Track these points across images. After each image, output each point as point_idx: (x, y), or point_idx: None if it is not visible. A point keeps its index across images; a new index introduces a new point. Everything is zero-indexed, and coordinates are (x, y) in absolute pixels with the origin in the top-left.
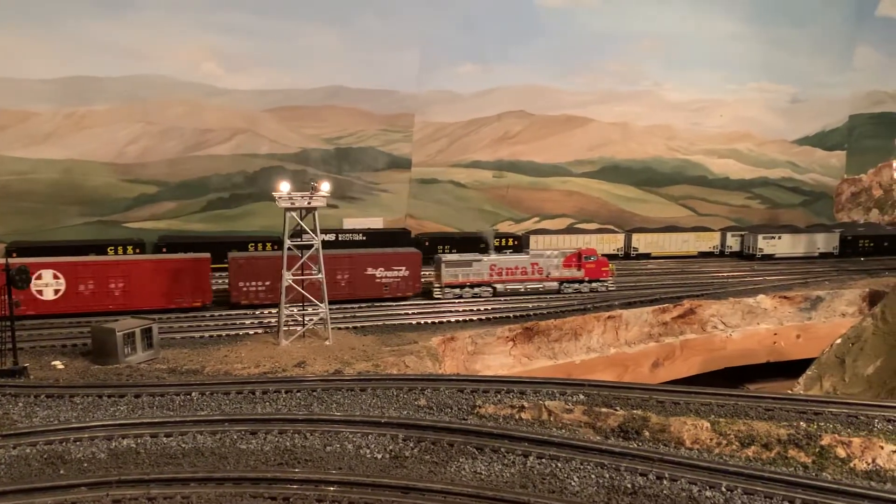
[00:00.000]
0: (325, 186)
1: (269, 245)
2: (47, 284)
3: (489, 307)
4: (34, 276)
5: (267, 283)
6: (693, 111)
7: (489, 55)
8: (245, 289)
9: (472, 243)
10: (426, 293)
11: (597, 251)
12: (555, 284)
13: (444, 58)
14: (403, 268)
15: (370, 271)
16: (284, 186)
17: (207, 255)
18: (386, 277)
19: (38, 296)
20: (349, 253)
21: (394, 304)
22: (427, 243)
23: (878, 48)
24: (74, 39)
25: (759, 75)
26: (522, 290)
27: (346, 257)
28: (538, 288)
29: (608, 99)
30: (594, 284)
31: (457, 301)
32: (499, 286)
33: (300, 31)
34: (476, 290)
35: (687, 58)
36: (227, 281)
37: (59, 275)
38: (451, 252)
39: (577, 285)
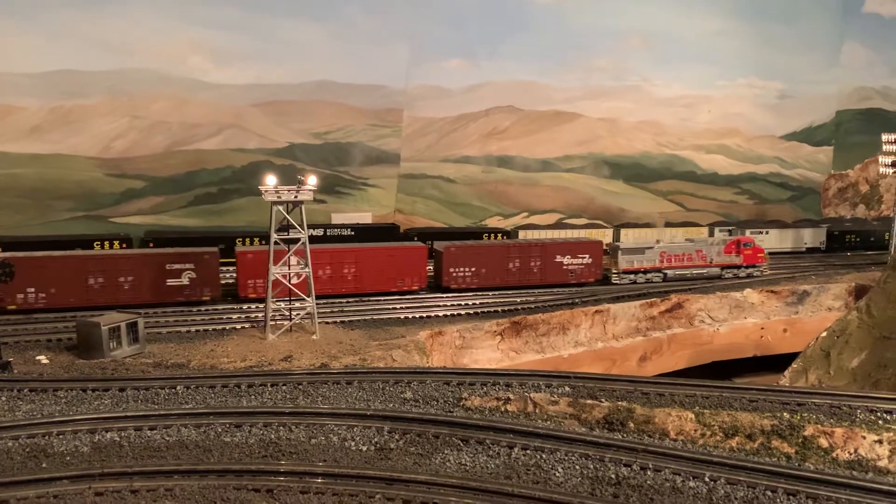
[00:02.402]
0: (311, 180)
1: (256, 240)
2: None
3: (477, 301)
4: (280, 262)
5: (473, 269)
6: (681, 107)
7: (477, 50)
8: (455, 274)
9: (460, 239)
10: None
11: (753, 239)
12: (717, 270)
13: (433, 53)
14: (587, 255)
15: (558, 259)
16: (271, 180)
17: (424, 244)
18: (572, 264)
19: (283, 279)
20: (541, 241)
21: (382, 298)
22: (416, 238)
23: (866, 44)
24: (60, 33)
25: (747, 71)
26: (689, 275)
27: (538, 245)
28: (703, 273)
29: (596, 94)
30: (750, 270)
31: (444, 296)
32: (668, 272)
33: (287, 25)
34: (648, 275)
35: (675, 54)
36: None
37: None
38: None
39: (735, 270)
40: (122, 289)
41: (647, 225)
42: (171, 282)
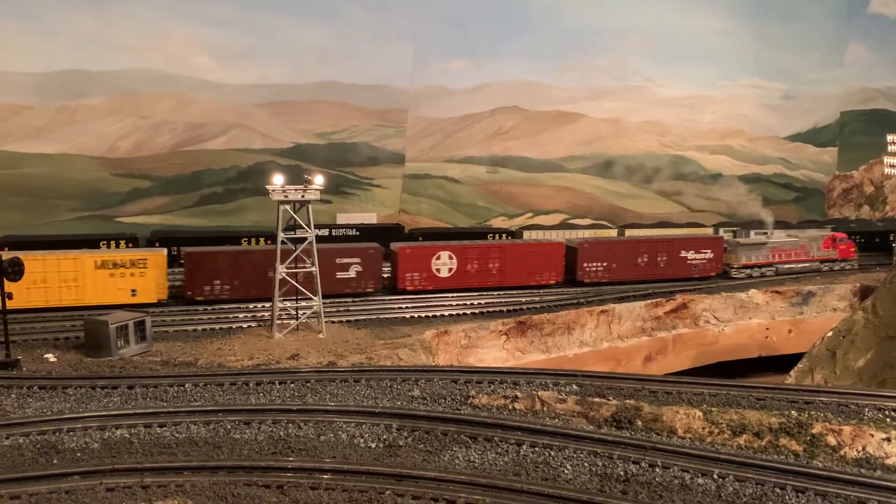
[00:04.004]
0: (318, 180)
1: (262, 240)
2: (444, 264)
3: (482, 301)
4: (434, 257)
5: (605, 263)
6: (684, 107)
7: (481, 51)
8: (588, 269)
9: (466, 239)
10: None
11: (846, 235)
12: (817, 264)
13: (437, 53)
14: (709, 251)
15: (683, 254)
16: (278, 179)
17: (562, 241)
18: (696, 259)
19: (436, 274)
20: (668, 238)
21: (387, 298)
22: (421, 238)
23: (870, 45)
24: (64, 33)
25: (751, 72)
26: (796, 269)
27: (665, 242)
28: (807, 267)
29: (600, 95)
30: (843, 263)
31: (450, 295)
32: (779, 266)
33: (292, 25)
34: (762, 269)
35: (678, 54)
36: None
37: (452, 256)
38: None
39: (831, 264)
40: (297, 281)
41: (760, 224)
42: (340, 275)
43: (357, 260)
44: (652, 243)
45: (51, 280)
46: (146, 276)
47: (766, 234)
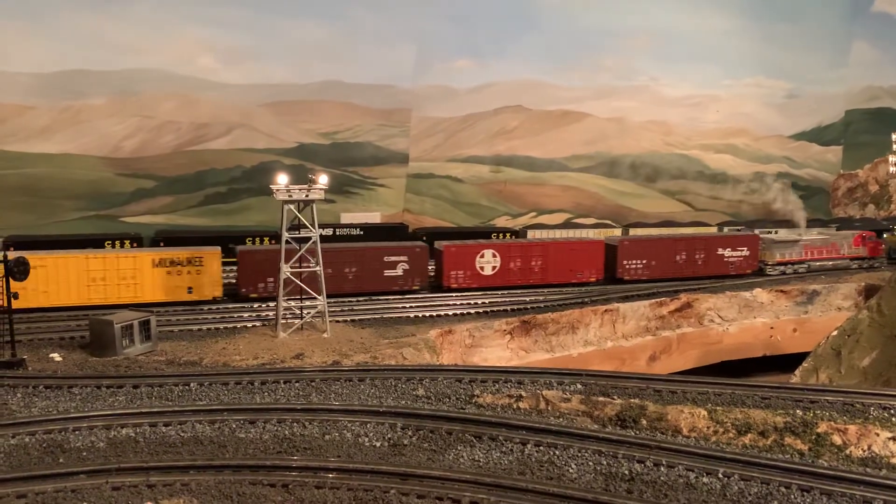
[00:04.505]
0: (322, 179)
1: (266, 239)
2: (488, 262)
3: (486, 301)
4: (478, 255)
5: (644, 261)
6: (689, 106)
7: (485, 50)
8: (628, 266)
9: (469, 238)
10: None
11: (874, 234)
12: (847, 261)
13: (440, 53)
14: (745, 248)
15: (720, 251)
16: (282, 179)
17: (601, 239)
18: (732, 257)
19: (480, 272)
20: (706, 235)
21: (392, 297)
22: (424, 238)
23: (874, 44)
24: (68, 33)
25: (755, 71)
26: (828, 265)
27: (703, 239)
28: (837, 263)
29: (604, 94)
30: (871, 261)
31: (454, 294)
32: (811, 263)
33: (295, 25)
34: (795, 266)
35: (682, 53)
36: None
37: (496, 254)
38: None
39: (860, 261)
40: (347, 279)
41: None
42: (387, 272)
43: (404, 258)
44: (690, 241)
45: (110, 278)
46: (202, 274)
47: (798, 232)
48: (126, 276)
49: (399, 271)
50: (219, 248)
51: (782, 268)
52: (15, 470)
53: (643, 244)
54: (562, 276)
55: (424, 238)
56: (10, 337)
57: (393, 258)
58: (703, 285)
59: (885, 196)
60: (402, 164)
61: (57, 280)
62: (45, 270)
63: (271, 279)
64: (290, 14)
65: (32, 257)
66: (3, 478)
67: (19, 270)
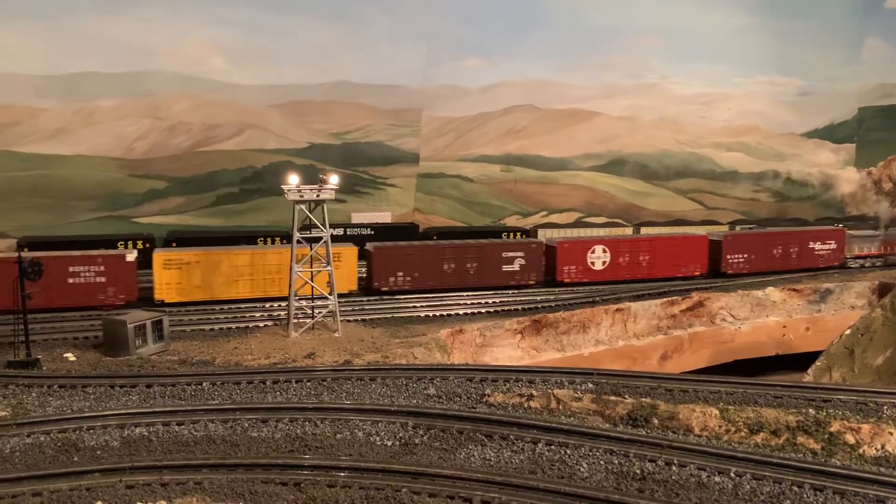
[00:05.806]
0: (333, 179)
1: (278, 239)
2: (598, 257)
3: (497, 300)
4: (589, 251)
5: (745, 255)
6: (700, 104)
7: (495, 49)
8: (731, 260)
9: (479, 238)
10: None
11: None
12: None
13: (450, 52)
14: (833, 242)
15: (811, 245)
16: (293, 179)
17: (705, 234)
18: (822, 250)
19: (591, 266)
20: (798, 230)
21: (401, 297)
22: (435, 237)
23: (888, 40)
24: (81, 35)
25: (767, 68)
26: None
27: (796, 234)
28: None
29: (615, 93)
30: None
31: (465, 294)
32: (889, 258)
33: (305, 25)
34: (873, 260)
35: (693, 51)
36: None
37: (606, 249)
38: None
39: None
40: (469, 274)
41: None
42: (505, 268)
43: (521, 254)
44: (785, 235)
45: (257, 273)
46: (340, 269)
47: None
48: (272, 272)
49: (516, 267)
50: (355, 246)
51: (861, 261)
52: (30, 468)
53: (745, 239)
54: (668, 270)
55: (435, 237)
56: (25, 337)
57: (510, 254)
58: (714, 283)
59: None
60: (412, 164)
61: (211, 274)
62: (200, 266)
63: (401, 273)
64: (300, 15)
65: (188, 254)
66: (18, 476)
67: (33, 271)
